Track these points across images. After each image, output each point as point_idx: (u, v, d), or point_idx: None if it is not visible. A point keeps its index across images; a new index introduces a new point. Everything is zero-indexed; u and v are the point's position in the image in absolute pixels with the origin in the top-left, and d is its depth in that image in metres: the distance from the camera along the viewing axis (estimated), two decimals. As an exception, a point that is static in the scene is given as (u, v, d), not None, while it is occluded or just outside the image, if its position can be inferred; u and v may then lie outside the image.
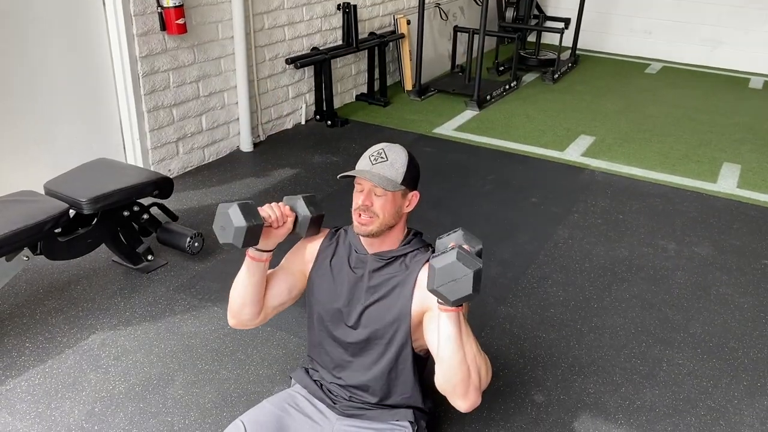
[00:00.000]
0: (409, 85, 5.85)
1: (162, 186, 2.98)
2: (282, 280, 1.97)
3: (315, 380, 2.08)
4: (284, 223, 1.83)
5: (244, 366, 2.52)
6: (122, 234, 3.01)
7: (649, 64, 7.27)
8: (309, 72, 4.97)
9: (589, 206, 3.88)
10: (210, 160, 4.32)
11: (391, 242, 1.87)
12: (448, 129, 5.05)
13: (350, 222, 1.86)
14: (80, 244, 2.85)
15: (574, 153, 4.66)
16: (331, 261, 1.95)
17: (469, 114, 5.38)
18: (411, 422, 1.98)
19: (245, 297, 1.91)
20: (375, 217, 1.79)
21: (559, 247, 3.43)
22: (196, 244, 3.12)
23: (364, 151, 1.81)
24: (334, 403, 2.01)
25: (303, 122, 5.06)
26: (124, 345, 2.61)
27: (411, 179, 1.81)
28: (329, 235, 1.99)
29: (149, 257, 3.11)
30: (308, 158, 4.44)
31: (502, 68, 6.52)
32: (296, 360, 2.55)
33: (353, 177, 1.79)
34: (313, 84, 5.01)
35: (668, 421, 2.31)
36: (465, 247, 1.64)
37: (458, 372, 1.63)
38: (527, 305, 2.94)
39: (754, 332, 2.79)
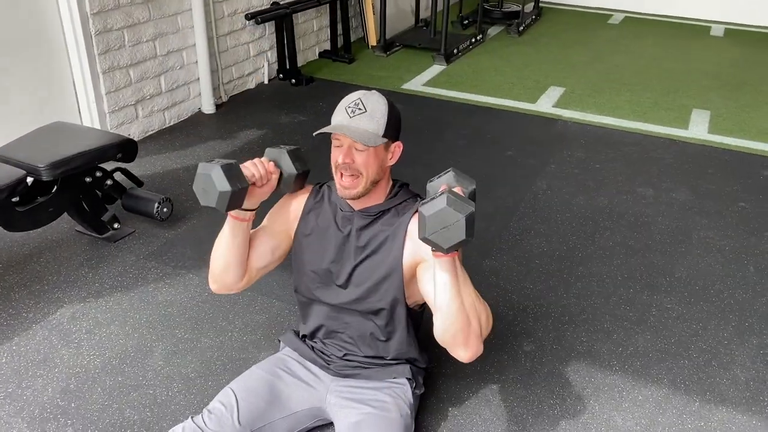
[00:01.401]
0: (373, 40, 5.68)
1: (126, 148, 2.80)
2: (265, 241, 1.85)
3: (306, 342, 1.99)
4: (268, 180, 1.71)
5: (226, 333, 2.41)
6: (85, 202, 2.83)
7: (612, 15, 7.23)
8: (270, 28, 4.76)
9: (565, 157, 3.83)
10: (171, 123, 4.11)
11: (377, 197, 1.76)
12: (417, 84, 4.93)
13: (331, 178, 1.75)
14: (40, 214, 2.67)
15: (546, 104, 4.60)
16: (317, 220, 1.83)
17: (437, 69, 5.26)
18: (408, 379, 1.91)
19: (228, 259, 1.79)
20: (359, 177, 1.67)
21: (539, 199, 3.37)
22: (164, 209, 2.96)
23: (336, 108, 1.67)
24: (328, 365, 1.92)
25: (266, 81, 4.87)
26: (96, 317, 2.47)
27: (393, 130, 1.68)
28: (314, 193, 1.87)
29: (115, 225, 2.94)
30: (274, 118, 4.28)
31: (466, 21, 6.39)
32: (280, 324, 2.45)
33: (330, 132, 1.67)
34: (275, 41, 4.81)
35: (662, 365, 2.30)
36: (456, 189, 1.55)
37: (457, 320, 1.55)
38: (512, 258, 2.88)
39: (737, 274, 2.80)
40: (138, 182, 3.09)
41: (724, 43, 6.30)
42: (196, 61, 4.15)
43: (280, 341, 2.09)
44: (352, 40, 5.55)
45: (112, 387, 2.15)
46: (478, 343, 1.60)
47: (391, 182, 1.81)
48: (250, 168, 1.68)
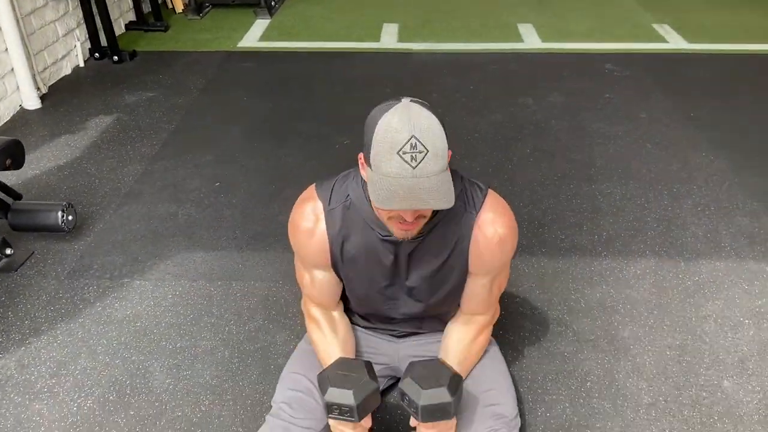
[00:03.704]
0: (179, 5, 5.18)
1: (14, 152, 2.27)
2: (329, 280, 1.58)
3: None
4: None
5: (221, 329, 2.11)
6: (-31, 229, 2.25)
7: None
8: (73, 2, 4.10)
9: (440, 86, 3.90)
10: (-4, 128, 3.40)
11: None
12: (252, 41, 4.62)
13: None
14: None
15: (391, 40, 4.61)
16: (351, 245, 1.49)
17: (262, 23, 4.97)
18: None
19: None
20: (423, 219, 1.36)
21: (441, 126, 3.40)
22: (70, 217, 2.46)
23: (376, 148, 1.24)
24: (392, 327, 1.76)
25: (81, 64, 4.20)
26: (53, 357, 2.00)
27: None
28: (328, 218, 1.47)
29: (7, 251, 2.38)
30: (118, 100, 3.73)
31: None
32: (275, 303, 2.20)
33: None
34: (82, 16, 4.16)
35: (637, 240, 2.50)
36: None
37: None
38: (454, 182, 2.90)
39: (641, 152, 3.12)
40: (15, 194, 2.53)
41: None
42: (6, 49, 3.44)
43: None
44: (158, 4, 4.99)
45: (131, 425, 1.78)
46: None
47: None
48: None
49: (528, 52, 4.39)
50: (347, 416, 1.38)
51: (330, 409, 1.38)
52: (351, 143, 3.19)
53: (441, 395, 1.38)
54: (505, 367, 1.72)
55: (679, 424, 1.76)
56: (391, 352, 1.76)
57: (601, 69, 4.08)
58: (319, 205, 1.48)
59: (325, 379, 1.40)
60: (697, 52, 4.35)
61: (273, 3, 5.21)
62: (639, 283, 2.29)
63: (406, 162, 1.22)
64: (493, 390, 1.62)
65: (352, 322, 1.76)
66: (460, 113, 3.54)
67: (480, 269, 1.51)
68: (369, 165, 1.28)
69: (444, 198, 1.24)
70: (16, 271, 2.37)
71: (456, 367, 1.51)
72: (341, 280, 1.59)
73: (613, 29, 4.76)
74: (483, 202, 1.48)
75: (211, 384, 1.91)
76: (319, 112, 3.55)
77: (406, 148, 1.22)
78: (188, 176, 2.97)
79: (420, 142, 1.22)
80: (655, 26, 4.80)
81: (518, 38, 4.62)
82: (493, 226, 1.47)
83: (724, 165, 2.99)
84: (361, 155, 1.33)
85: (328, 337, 1.62)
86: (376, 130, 1.25)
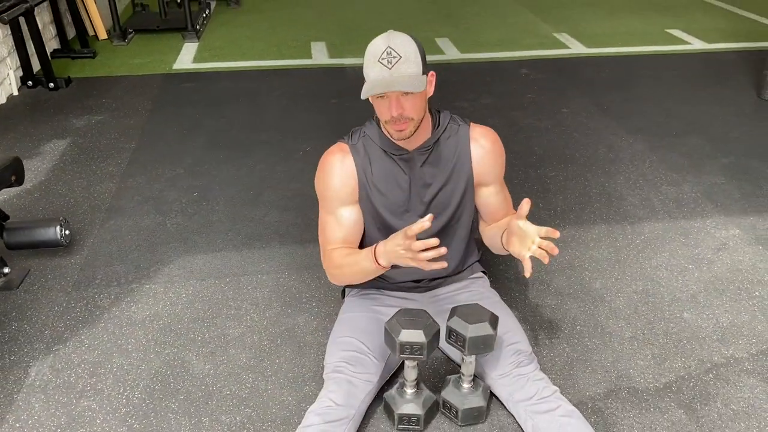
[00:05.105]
0: (102, 33, 5.17)
1: (17, 169, 2.30)
2: (357, 221, 1.85)
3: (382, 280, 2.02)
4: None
5: (244, 319, 2.25)
6: (-27, 248, 2.26)
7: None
8: (4, 30, 4.04)
9: (378, 94, 4.19)
10: (-55, 157, 3.31)
11: (426, 130, 1.78)
12: (186, 63, 4.72)
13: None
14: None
15: (323, 57, 4.87)
16: (374, 173, 1.81)
17: (191, 46, 5.08)
18: (483, 272, 2.13)
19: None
20: (411, 120, 1.67)
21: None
22: (67, 231, 2.51)
23: (365, 63, 1.61)
24: (418, 282, 2.01)
25: (15, 92, 4.15)
26: (85, 359, 2.07)
27: (425, 62, 1.66)
28: (353, 150, 1.82)
29: (5, 270, 2.41)
30: (67, 125, 3.73)
31: (179, 0, 6.18)
32: (288, 292, 2.37)
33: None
34: (13, 44, 4.11)
35: (587, 211, 2.88)
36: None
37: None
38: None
39: (571, 140, 3.55)
40: (3, 215, 2.54)
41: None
42: (-52, 78, 3.38)
43: (344, 290, 2.09)
44: (82, 32, 4.97)
45: (184, 407, 1.90)
46: None
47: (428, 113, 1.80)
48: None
49: (451, 62, 4.79)
50: (417, 354, 1.61)
51: (402, 349, 1.60)
52: (313, 150, 3.40)
53: (485, 328, 1.65)
54: (513, 315, 2.01)
55: (658, 350, 2.12)
56: (420, 300, 2.01)
57: (518, 74, 4.54)
58: (345, 146, 1.83)
59: (396, 324, 1.62)
60: (596, 55, 4.93)
61: (198, 28, 5.32)
62: (597, 245, 2.66)
63: (384, 65, 1.58)
64: (510, 332, 1.90)
65: (381, 287, 2.00)
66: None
67: (486, 176, 1.87)
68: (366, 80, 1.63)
69: (413, 86, 1.58)
70: (18, 288, 2.39)
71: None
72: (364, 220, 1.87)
73: (520, 39, 5.28)
74: (470, 123, 1.88)
75: (249, 365, 2.06)
76: (273, 124, 3.74)
77: (383, 55, 1.58)
78: (164, 189, 3.07)
79: (394, 50, 1.59)
80: (556, 35, 5.36)
81: (439, 51, 5.02)
82: (483, 136, 1.87)
83: (641, 146, 3.47)
84: None
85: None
86: (366, 52, 1.63)
